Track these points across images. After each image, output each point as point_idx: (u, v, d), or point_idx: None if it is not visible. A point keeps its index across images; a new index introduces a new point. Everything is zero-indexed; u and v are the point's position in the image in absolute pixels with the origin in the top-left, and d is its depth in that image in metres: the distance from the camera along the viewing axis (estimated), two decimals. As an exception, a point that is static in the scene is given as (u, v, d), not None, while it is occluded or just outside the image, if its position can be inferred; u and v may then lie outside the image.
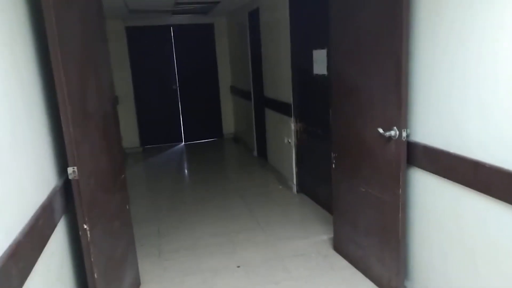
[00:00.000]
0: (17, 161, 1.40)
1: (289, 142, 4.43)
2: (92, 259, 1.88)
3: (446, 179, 2.04)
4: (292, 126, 4.28)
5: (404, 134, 2.20)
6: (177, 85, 7.16)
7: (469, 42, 1.81)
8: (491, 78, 1.72)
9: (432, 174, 2.15)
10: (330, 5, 2.76)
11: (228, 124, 7.51)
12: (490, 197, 1.78)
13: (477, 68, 1.78)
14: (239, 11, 6.12)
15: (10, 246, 1.22)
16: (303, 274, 2.78)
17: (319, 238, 3.29)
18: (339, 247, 3.00)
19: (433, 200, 2.18)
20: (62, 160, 1.91)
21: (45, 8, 1.62)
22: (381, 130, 2.30)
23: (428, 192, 2.21)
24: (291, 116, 4.29)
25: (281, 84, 4.56)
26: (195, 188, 4.96)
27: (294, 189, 4.40)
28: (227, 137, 7.50)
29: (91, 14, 2.25)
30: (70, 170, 1.78)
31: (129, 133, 6.81)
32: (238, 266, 2.93)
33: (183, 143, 7.33)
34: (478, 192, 1.85)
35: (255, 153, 6.06)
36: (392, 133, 2.24)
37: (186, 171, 5.95)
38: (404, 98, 2.16)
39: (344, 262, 2.89)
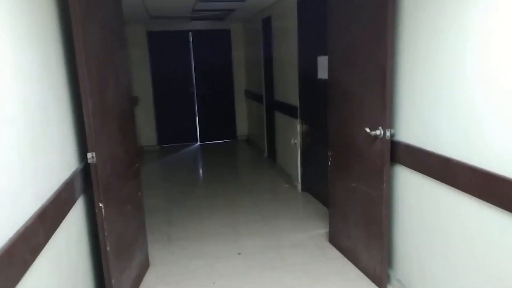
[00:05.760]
0: (46, 143, 1.70)
1: (295, 143, 4.66)
2: (105, 233, 2.18)
3: (423, 174, 2.25)
4: (298, 128, 4.53)
5: (388, 133, 2.42)
6: (194, 87, 7.50)
7: (440, 55, 2.03)
8: (457, 87, 1.93)
9: (412, 170, 2.36)
10: (328, 17, 3.01)
11: (242, 126, 7.79)
12: (458, 190, 1.98)
13: (445, 77, 2.00)
14: (253, 18, 6.42)
15: (39, 209, 1.51)
16: (297, 262, 3.02)
17: (316, 231, 3.51)
18: (334, 239, 3.22)
19: (412, 194, 2.39)
20: (82, 148, 2.21)
21: (73, 19, 1.93)
22: (368, 130, 2.52)
23: (409, 187, 2.42)
24: (297, 118, 4.54)
25: (289, 88, 4.81)
26: (206, 185, 5.25)
27: (299, 187, 4.64)
28: (241, 138, 7.78)
29: (113, 22, 2.56)
30: (89, 155, 2.08)
31: (147, 131, 7.18)
32: (239, 253, 3.19)
33: (198, 143, 7.65)
34: (448, 186, 2.05)
35: (266, 154, 6.32)
36: (378, 132, 2.47)
37: (199, 169, 6.25)
38: (388, 101, 2.38)
39: (337, 253, 3.11)
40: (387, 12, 2.29)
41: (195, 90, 7.52)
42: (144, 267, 2.94)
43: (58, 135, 1.87)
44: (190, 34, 7.33)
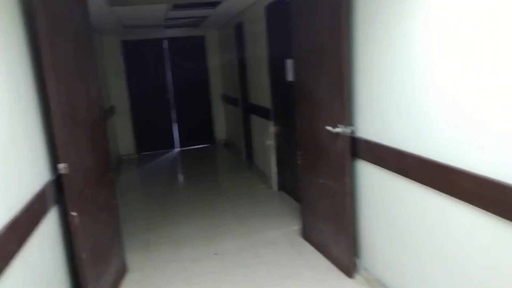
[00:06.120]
0: (16, 156, 1.77)
1: (270, 145, 4.79)
2: (80, 241, 2.25)
3: (381, 167, 2.40)
4: (271, 129, 4.65)
5: (348, 130, 2.57)
6: (171, 94, 7.56)
7: (391, 53, 2.18)
8: (406, 83, 2.08)
9: (372, 164, 2.50)
10: (291, 21, 3.15)
11: (220, 131, 7.88)
12: (411, 180, 2.13)
13: (396, 75, 2.15)
14: (227, 24, 6.54)
15: (11, 219, 1.59)
16: (272, 259, 3.13)
17: (290, 228, 3.64)
18: (306, 234, 3.35)
19: (373, 187, 2.54)
20: (53, 160, 2.27)
21: (40, 32, 2.00)
22: (329, 128, 2.66)
23: (370, 180, 2.57)
24: (270, 120, 4.66)
25: (262, 90, 4.94)
26: (185, 190, 5.33)
27: (275, 187, 4.76)
28: (219, 143, 7.87)
29: (81, 34, 2.62)
30: (61, 165, 2.15)
31: (125, 140, 7.21)
32: (215, 254, 3.28)
33: (177, 149, 7.71)
34: (403, 177, 2.20)
35: (244, 156, 6.42)
36: (338, 130, 2.61)
37: (177, 175, 6.31)
38: (346, 100, 2.53)
39: (309, 248, 3.24)
40: (341, 13, 2.43)
41: (172, 97, 7.58)
42: (121, 272, 3.00)
43: (27, 147, 1.93)
44: (166, 41, 7.39)
